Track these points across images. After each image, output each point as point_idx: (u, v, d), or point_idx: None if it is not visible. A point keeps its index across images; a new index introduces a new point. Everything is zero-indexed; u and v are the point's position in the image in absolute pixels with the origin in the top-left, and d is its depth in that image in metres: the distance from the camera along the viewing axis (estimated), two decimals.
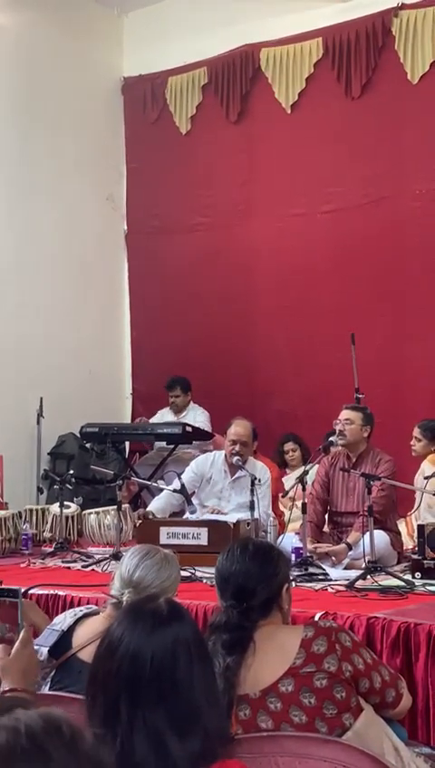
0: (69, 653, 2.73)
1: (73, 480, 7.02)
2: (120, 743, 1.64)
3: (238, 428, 6.12)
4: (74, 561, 5.84)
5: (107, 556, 5.58)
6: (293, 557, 5.29)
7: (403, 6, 8.02)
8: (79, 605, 4.06)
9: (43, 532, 6.75)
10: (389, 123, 8.14)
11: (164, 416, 8.52)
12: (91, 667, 1.83)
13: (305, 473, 5.68)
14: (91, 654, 2.70)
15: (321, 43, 8.48)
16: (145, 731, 1.64)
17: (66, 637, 2.79)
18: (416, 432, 6.52)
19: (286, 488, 6.88)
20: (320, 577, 5.06)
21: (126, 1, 9.67)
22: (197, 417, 8.22)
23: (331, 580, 4.96)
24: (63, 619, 2.86)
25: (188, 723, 1.67)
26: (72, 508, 6.84)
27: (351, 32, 8.28)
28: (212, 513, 5.95)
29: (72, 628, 2.81)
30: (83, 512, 6.79)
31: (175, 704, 1.68)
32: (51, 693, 2.59)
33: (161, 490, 6.39)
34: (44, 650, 2.77)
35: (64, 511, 6.48)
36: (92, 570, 5.49)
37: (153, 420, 8.61)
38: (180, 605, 1.89)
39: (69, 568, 5.70)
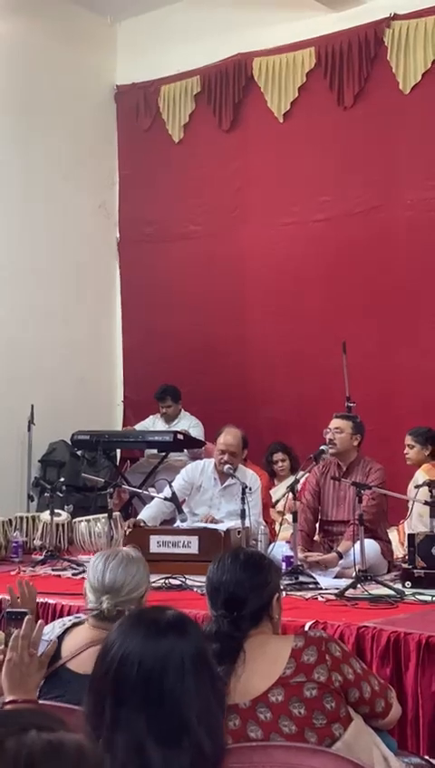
0: (58, 663, 2.72)
1: (64, 488, 7.00)
2: (103, 743, 1.65)
3: (228, 437, 6.11)
4: (65, 570, 5.83)
5: None
6: (283, 565, 5.29)
7: (396, 17, 8.05)
8: (69, 613, 4.05)
9: (34, 539, 6.74)
10: (381, 133, 8.16)
11: (155, 423, 8.50)
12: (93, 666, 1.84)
13: (296, 482, 5.68)
14: (80, 664, 2.72)
15: (313, 52, 8.50)
16: (126, 735, 1.65)
17: (54, 644, 2.79)
18: (408, 440, 6.52)
19: (274, 499, 6.88)
20: (310, 586, 5.06)
21: (119, 9, 9.68)
22: (191, 428, 8.17)
23: (321, 588, 4.96)
24: (52, 629, 2.85)
25: (174, 735, 1.65)
26: (63, 516, 6.83)
27: (343, 42, 8.31)
28: (207, 521, 5.95)
29: (60, 638, 2.81)
30: (74, 519, 6.78)
31: (158, 714, 1.67)
32: (39, 702, 2.57)
33: (152, 498, 6.38)
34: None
35: (55, 519, 6.47)
36: (83, 578, 5.44)
37: (143, 425, 8.59)
38: (189, 621, 1.87)
39: (59, 576, 5.69)
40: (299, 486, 5.79)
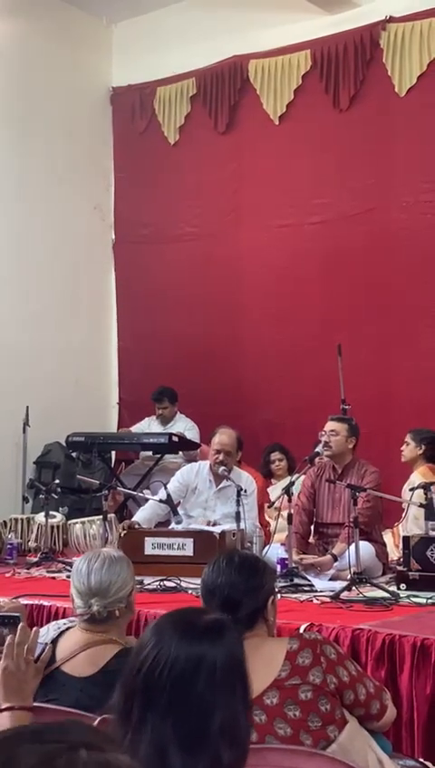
0: (52, 666, 2.72)
1: (59, 489, 7.00)
2: (129, 741, 1.64)
3: (223, 437, 6.11)
4: (59, 571, 5.82)
5: None
6: (278, 568, 5.29)
7: (391, 20, 8.06)
8: (64, 616, 4.05)
9: (29, 541, 6.73)
10: (376, 135, 8.18)
11: (150, 426, 8.50)
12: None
13: (292, 483, 5.68)
14: (74, 667, 2.72)
15: (309, 55, 8.51)
16: (150, 735, 1.63)
17: (49, 649, 2.78)
18: (407, 437, 6.55)
19: (272, 498, 6.88)
20: (305, 588, 5.07)
21: (115, 11, 9.68)
22: (187, 431, 8.17)
23: (316, 591, 4.97)
24: (47, 632, 2.85)
25: (196, 742, 1.63)
26: (58, 518, 6.82)
27: (339, 44, 8.32)
28: (206, 524, 5.94)
29: (55, 641, 2.80)
30: (69, 521, 6.77)
31: (184, 719, 1.65)
32: (35, 705, 2.57)
33: (147, 500, 6.38)
34: None
35: (50, 520, 6.46)
36: None
37: (139, 428, 8.59)
38: (227, 626, 1.83)
39: (54, 578, 5.68)
40: (295, 489, 5.80)
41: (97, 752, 1.08)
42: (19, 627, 2.40)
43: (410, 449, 6.48)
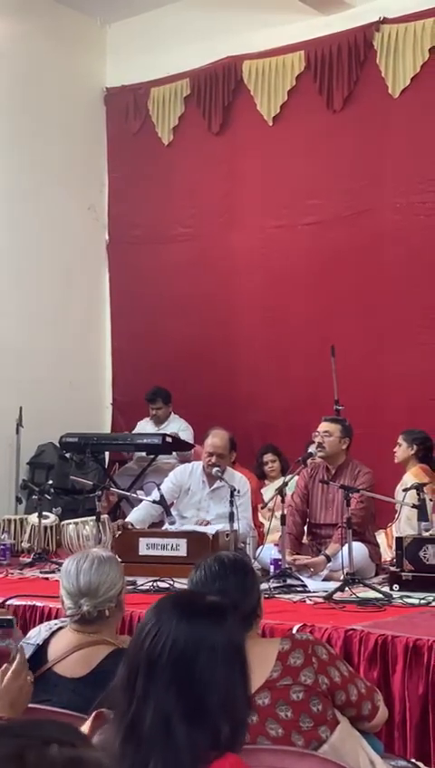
0: (45, 667, 2.72)
1: (52, 490, 7.00)
2: (133, 713, 1.73)
3: (215, 439, 6.11)
4: (53, 572, 5.81)
5: None
6: (272, 568, 5.30)
7: (385, 21, 8.07)
8: (57, 616, 4.04)
9: (22, 542, 6.73)
10: (370, 136, 8.18)
11: (145, 427, 8.50)
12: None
13: (285, 484, 5.69)
14: (66, 668, 2.72)
15: (303, 56, 8.52)
16: (154, 707, 1.71)
17: (41, 650, 2.78)
18: (399, 438, 6.58)
19: (265, 499, 6.90)
20: (298, 588, 5.07)
21: (109, 11, 9.68)
22: (181, 431, 8.16)
23: (309, 591, 4.97)
24: (38, 633, 2.85)
25: (198, 715, 1.72)
26: (51, 518, 6.82)
27: (333, 45, 8.33)
28: (201, 524, 5.94)
29: (47, 642, 2.80)
30: (62, 522, 6.76)
31: (186, 693, 1.73)
32: (28, 706, 2.57)
33: (141, 501, 6.38)
34: None
35: (43, 521, 6.46)
36: None
37: (135, 431, 8.59)
38: (228, 610, 1.91)
39: (47, 579, 5.67)
40: (288, 490, 5.80)
41: (68, 747, 1.11)
42: (18, 656, 2.37)
43: (402, 450, 6.51)
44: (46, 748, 1.10)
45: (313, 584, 5.14)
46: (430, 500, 5.76)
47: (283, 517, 5.43)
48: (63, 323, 9.30)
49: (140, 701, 1.73)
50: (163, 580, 5.16)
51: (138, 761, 1.68)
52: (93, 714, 2.00)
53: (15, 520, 6.95)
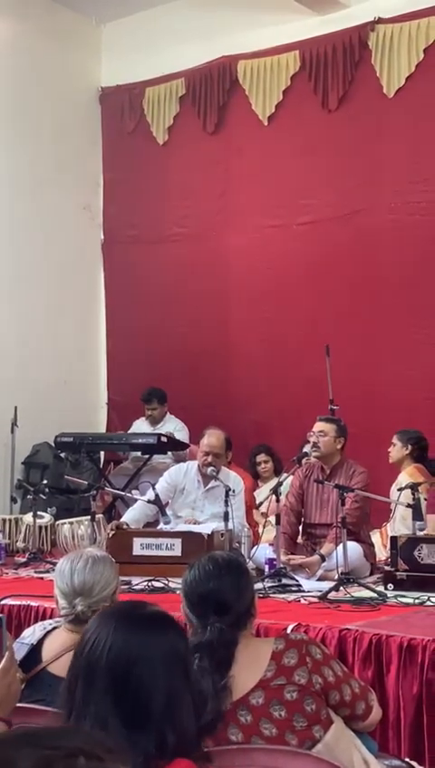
0: (39, 667, 2.72)
1: (47, 490, 6.99)
2: (74, 718, 1.79)
3: (211, 439, 6.12)
4: (47, 572, 5.80)
5: None
6: (266, 568, 5.30)
7: (380, 21, 8.08)
8: (51, 616, 4.04)
9: (17, 542, 6.73)
10: (365, 136, 8.19)
11: (140, 427, 8.49)
12: None
13: (280, 484, 5.69)
14: (61, 668, 2.71)
15: (298, 55, 8.52)
16: (93, 709, 1.77)
17: (35, 650, 2.78)
18: (393, 438, 6.58)
19: (259, 501, 6.90)
20: (293, 588, 5.07)
21: (104, 11, 9.68)
22: (176, 431, 8.16)
23: (304, 591, 4.97)
24: (33, 633, 2.85)
25: (138, 720, 1.75)
26: (46, 518, 6.81)
27: (328, 45, 8.33)
28: (188, 523, 5.94)
29: (41, 642, 2.80)
30: (57, 522, 6.76)
31: (124, 699, 1.77)
32: (22, 706, 2.57)
33: (136, 500, 6.38)
34: None
35: (38, 521, 6.45)
36: None
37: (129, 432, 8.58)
38: (168, 620, 1.93)
39: (42, 578, 5.66)
40: (283, 490, 5.80)
41: (95, 761, 1.09)
42: (6, 654, 2.36)
43: (396, 450, 6.52)
44: (73, 761, 1.08)
45: (307, 584, 5.14)
46: (425, 499, 5.77)
47: (277, 517, 5.43)
48: (59, 323, 9.30)
49: (80, 706, 1.78)
50: (158, 580, 5.16)
51: None
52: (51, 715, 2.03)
53: (10, 519, 6.94)
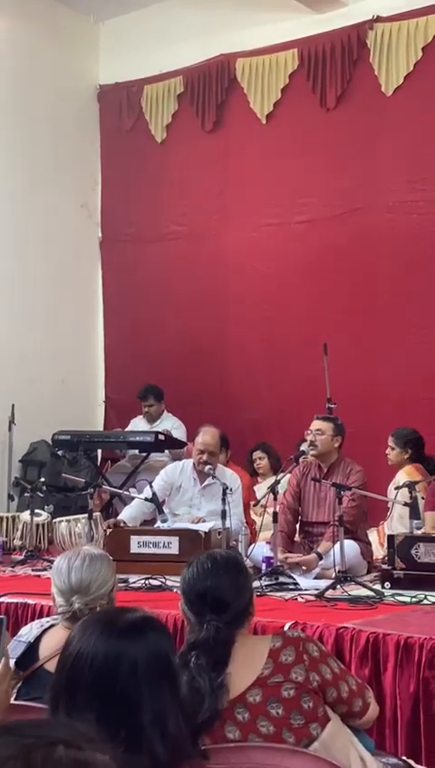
0: (35, 665, 2.72)
1: (45, 488, 6.99)
2: None
3: (206, 437, 6.12)
4: (45, 570, 5.81)
5: None
6: (263, 566, 5.30)
7: (379, 19, 8.08)
8: (49, 614, 4.04)
9: (14, 539, 6.72)
10: (363, 135, 8.19)
11: (137, 425, 8.49)
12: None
13: (277, 482, 5.69)
14: None
15: (296, 54, 8.52)
16: None
17: (32, 648, 2.78)
18: (389, 441, 6.55)
19: (258, 497, 6.89)
20: (290, 586, 5.07)
21: (102, 9, 9.67)
22: (173, 429, 8.16)
23: (301, 589, 4.97)
24: (30, 630, 2.84)
25: (126, 736, 1.68)
26: (43, 516, 6.81)
27: (326, 43, 8.33)
28: (195, 521, 5.94)
29: (38, 639, 2.80)
30: (54, 520, 6.76)
31: (109, 713, 1.71)
32: (18, 703, 2.57)
33: (133, 498, 6.38)
34: (11, 662, 2.75)
35: (35, 519, 6.45)
36: None
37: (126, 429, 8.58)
38: (153, 624, 1.89)
39: (39, 576, 5.67)
40: (280, 488, 5.80)
41: (75, 749, 1.09)
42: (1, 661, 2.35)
43: (395, 454, 6.48)
44: (52, 749, 1.09)
45: (304, 582, 5.14)
46: (422, 498, 5.77)
47: (275, 515, 5.43)
48: (56, 321, 9.29)
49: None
50: (155, 578, 5.16)
51: None
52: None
53: (8, 517, 6.95)
